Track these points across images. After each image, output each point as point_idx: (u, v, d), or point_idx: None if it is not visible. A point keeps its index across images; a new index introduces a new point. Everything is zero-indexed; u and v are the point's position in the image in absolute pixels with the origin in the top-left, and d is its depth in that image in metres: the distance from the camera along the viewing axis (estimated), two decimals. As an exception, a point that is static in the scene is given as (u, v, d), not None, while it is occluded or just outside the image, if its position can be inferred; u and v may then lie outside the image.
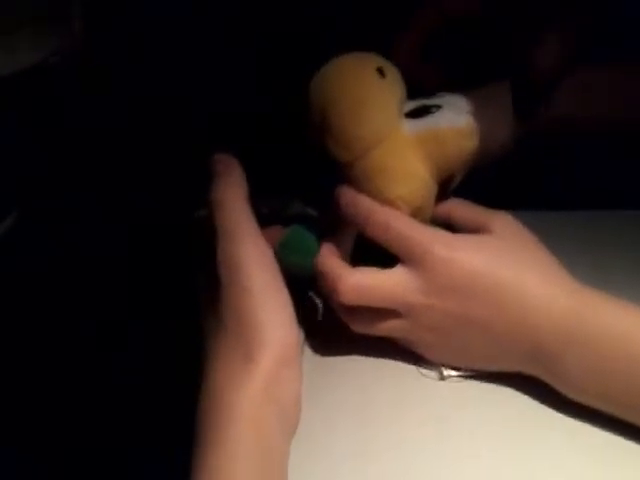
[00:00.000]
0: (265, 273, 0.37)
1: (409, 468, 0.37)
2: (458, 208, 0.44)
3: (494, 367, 0.40)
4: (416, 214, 0.41)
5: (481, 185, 0.44)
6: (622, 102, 0.49)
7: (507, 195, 0.45)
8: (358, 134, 0.40)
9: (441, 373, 0.41)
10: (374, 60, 0.42)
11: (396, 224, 0.40)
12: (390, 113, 0.41)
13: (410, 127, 0.41)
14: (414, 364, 0.42)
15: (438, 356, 0.41)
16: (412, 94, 0.43)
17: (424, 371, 0.42)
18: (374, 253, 0.41)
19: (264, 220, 0.40)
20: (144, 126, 0.48)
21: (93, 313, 0.44)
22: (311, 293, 0.47)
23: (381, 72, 0.41)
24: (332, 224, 0.42)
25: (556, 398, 0.39)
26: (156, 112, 0.48)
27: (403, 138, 0.41)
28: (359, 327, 0.41)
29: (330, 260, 0.41)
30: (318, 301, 0.46)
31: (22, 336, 0.42)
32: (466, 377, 0.41)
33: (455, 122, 0.41)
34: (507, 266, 0.38)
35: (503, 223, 0.41)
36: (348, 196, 0.41)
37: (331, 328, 0.44)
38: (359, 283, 0.39)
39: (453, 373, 0.41)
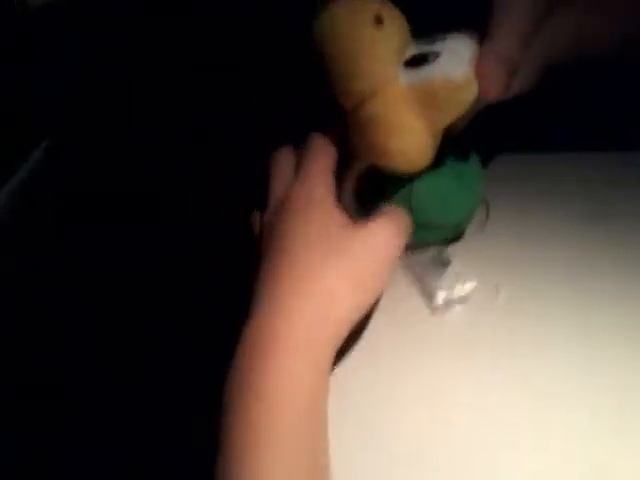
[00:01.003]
0: None
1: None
2: None
3: None
4: (411, 164, 0.43)
5: (482, 127, 0.44)
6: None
7: (507, 136, 0.44)
8: (352, 87, 0.41)
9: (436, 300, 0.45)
10: (372, 6, 0.41)
11: None
12: (384, 65, 0.41)
13: (406, 78, 0.41)
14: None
15: None
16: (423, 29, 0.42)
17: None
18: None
19: None
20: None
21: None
22: None
23: (379, 20, 0.40)
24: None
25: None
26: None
27: (398, 90, 0.41)
28: None
29: None
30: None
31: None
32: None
33: (450, 73, 0.39)
34: None
35: None
36: None
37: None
38: None
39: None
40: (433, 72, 0.40)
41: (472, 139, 0.45)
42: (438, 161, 0.44)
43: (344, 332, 0.38)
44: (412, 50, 0.42)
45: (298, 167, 0.44)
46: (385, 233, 0.40)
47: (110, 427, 0.41)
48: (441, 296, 0.45)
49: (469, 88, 0.40)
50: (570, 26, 0.43)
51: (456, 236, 0.48)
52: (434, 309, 0.45)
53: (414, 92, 0.41)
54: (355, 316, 0.39)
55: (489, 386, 0.41)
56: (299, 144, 0.46)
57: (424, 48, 0.41)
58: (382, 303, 0.45)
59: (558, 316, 0.44)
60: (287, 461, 0.33)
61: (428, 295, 0.46)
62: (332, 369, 0.38)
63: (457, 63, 0.40)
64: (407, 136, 0.41)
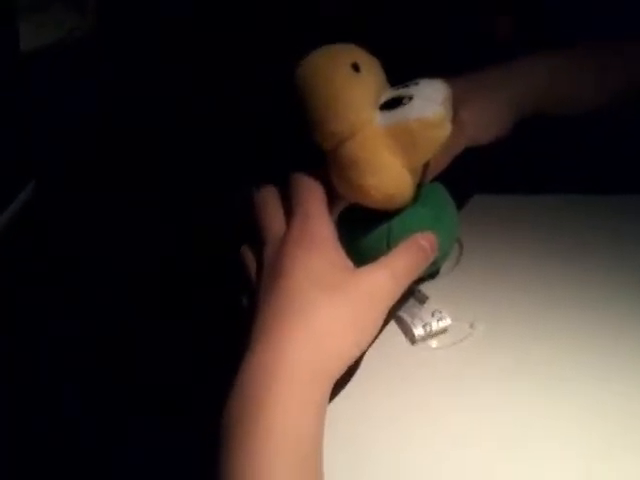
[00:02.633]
0: None
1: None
2: None
3: None
4: (390, 200, 0.44)
5: (477, 167, 0.46)
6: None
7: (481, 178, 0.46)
8: (331, 129, 0.43)
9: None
10: (349, 54, 0.43)
11: None
12: (361, 108, 0.43)
13: (382, 119, 0.43)
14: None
15: None
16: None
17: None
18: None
19: None
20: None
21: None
22: None
23: (355, 67, 0.43)
24: None
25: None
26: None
27: (375, 131, 0.43)
28: None
29: None
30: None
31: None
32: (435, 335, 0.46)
33: (423, 113, 0.42)
34: None
35: None
36: None
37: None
38: None
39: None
40: (408, 113, 0.42)
41: (449, 181, 0.47)
42: (416, 201, 0.46)
43: (343, 368, 0.39)
44: (387, 94, 0.44)
45: (291, 205, 0.44)
46: (381, 282, 0.41)
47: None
48: (418, 332, 0.46)
49: (442, 126, 0.42)
50: (544, 75, 0.47)
51: (431, 274, 0.50)
52: (412, 344, 0.46)
53: (390, 132, 0.43)
54: (354, 353, 0.40)
55: (473, 414, 0.42)
56: (278, 183, 0.47)
57: (398, 92, 0.44)
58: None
59: (532, 351, 0.45)
60: None
61: (405, 331, 0.46)
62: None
63: (430, 104, 0.42)
64: (384, 173, 0.43)
